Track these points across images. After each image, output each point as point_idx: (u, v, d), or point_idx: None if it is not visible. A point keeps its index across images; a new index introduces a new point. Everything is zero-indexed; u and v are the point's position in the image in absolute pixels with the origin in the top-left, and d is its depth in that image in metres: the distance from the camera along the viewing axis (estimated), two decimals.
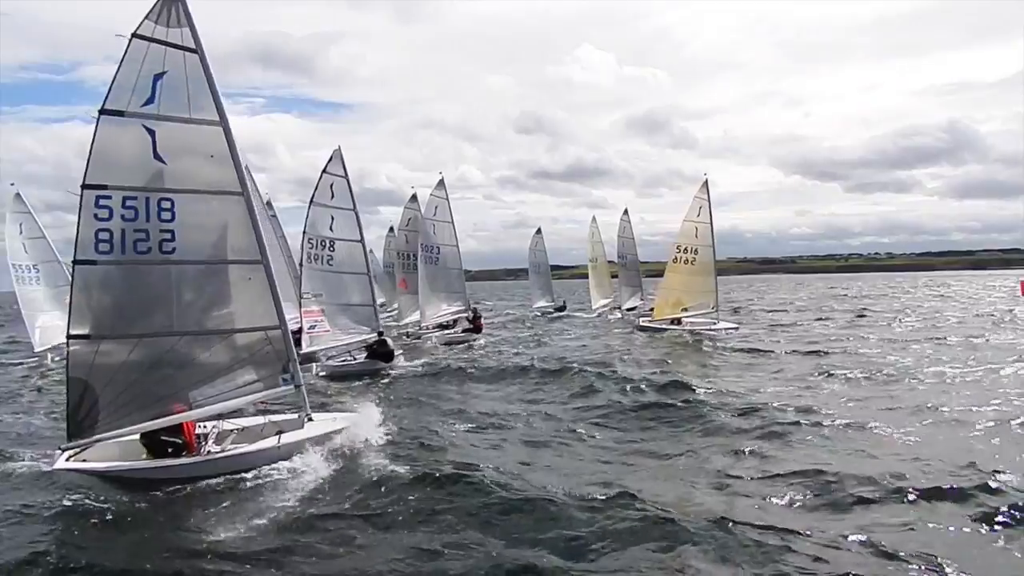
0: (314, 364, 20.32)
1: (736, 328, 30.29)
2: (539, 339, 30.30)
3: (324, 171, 20.45)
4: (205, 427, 10.86)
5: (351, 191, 20.98)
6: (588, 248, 42.62)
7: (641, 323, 31.47)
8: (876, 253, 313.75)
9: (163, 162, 9.65)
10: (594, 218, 43.40)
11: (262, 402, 10.94)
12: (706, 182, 29.72)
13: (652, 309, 37.73)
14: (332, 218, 20.45)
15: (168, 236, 9.70)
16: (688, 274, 29.32)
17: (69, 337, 9.48)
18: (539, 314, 44.06)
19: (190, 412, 10.12)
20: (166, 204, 9.66)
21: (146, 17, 9.47)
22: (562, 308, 46.01)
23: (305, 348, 19.26)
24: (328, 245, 20.36)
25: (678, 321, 29.47)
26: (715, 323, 29.55)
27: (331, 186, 20.45)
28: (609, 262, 43.10)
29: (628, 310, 40.09)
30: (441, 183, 28.88)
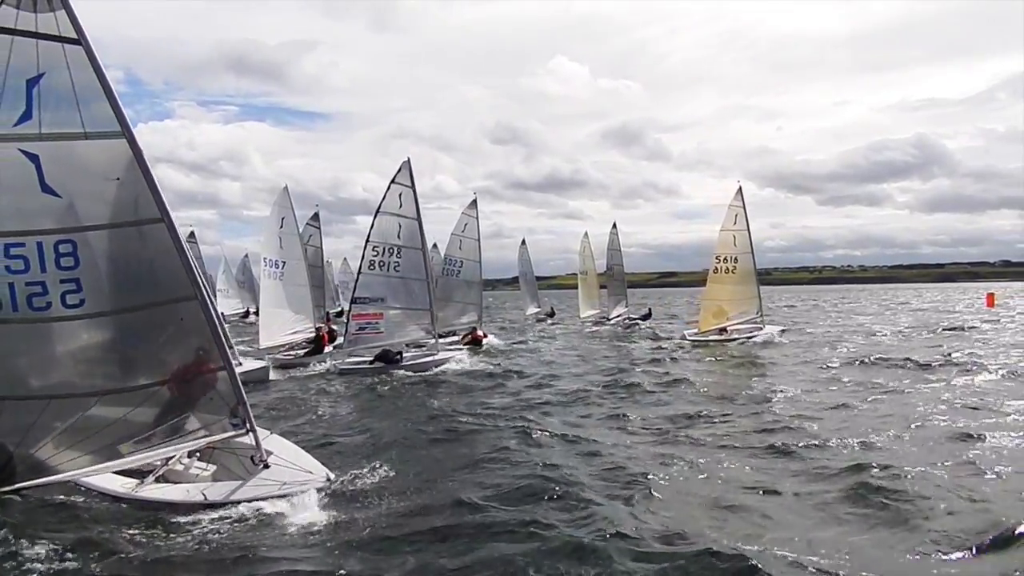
0: (332, 361, 21.94)
1: (782, 331, 30.50)
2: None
3: (393, 181, 21.55)
4: None
5: (416, 201, 22.09)
6: (579, 261, 45.27)
7: (687, 336, 30.84)
8: (848, 265, 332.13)
9: (55, 195, 7.51)
10: (586, 233, 45.95)
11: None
12: (740, 190, 29.47)
13: (646, 316, 42.12)
14: (400, 226, 21.61)
15: (72, 287, 7.76)
16: (730, 283, 29.46)
17: None
18: (532, 320, 46.49)
19: (125, 459, 8.78)
20: (65, 248, 7.63)
21: (3, 1, 6.95)
22: (551, 314, 48.85)
23: (347, 348, 21.54)
24: (396, 252, 21.50)
25: (723, 330, 29.34)
26: (761, 328, 29.53)
27: (399, 196, 21.63)
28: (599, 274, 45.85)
29: (613, 319, 42.10)
30: (474, 203, 30.36)
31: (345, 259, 59.04)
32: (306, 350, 24.66)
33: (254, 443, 9.46)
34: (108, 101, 7.62)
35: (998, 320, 42.43)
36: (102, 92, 7.57)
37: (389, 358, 21.59)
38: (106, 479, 9.09)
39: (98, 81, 7.52)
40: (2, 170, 7.27)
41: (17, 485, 8.44)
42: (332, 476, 9.48)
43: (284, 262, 24.47)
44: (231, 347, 18.00)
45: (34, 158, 7.32)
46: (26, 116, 7.21)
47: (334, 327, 28.09)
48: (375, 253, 21.30)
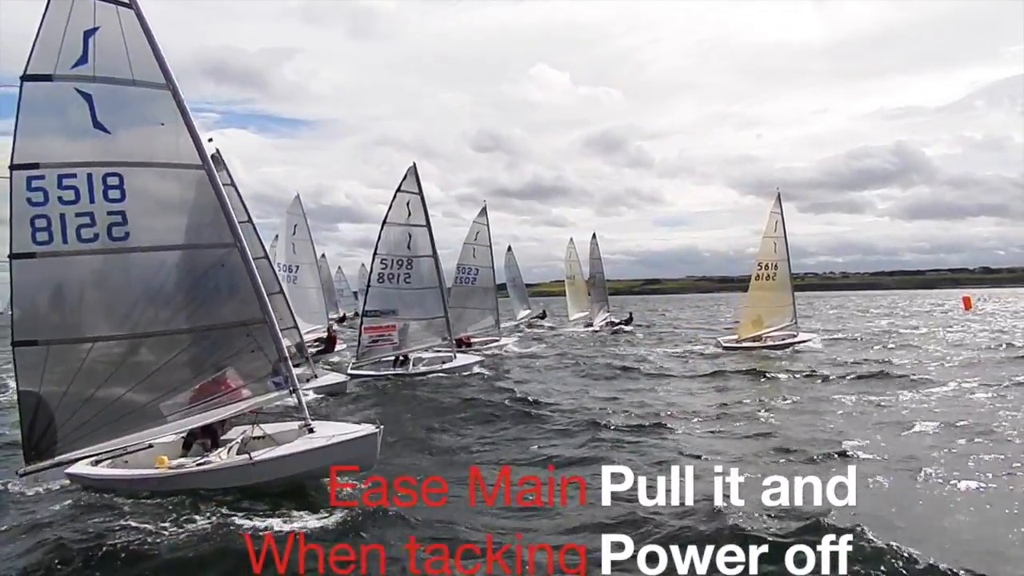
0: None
1: (815, 336, 29.82)
2: None
3: (399, 190, 20.90)
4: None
5: (425, 207, 21.48)
6: (565, 267, 46.26)
7: (723, 343, 30.10)
8: (831, 272, 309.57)
9: (105, 131, 8.22)
10: (571, 240, 46.89)
11: (254, 410, 9.22)
12: (779, 196, 29.09)
13: (627, 321, 43.19)
14: (410, 236, 21.03)
15: (118, 219, 8.21)
16: (769, 290, 28.88)
17: (14, 344, 8.12)
18: (524, 325, 46.65)
19: (164, 425, 8.61)
20: (113, 180, 8.19)
21: None
22: (543, 316, 49.60)
23: (360, 360, 20.56)
24: (407, 264, 20.92)
25: (759, 338, 28.74)
26: (795, 335, 28.87)
27: (407, 204, 20.99)
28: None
29: (596, 324, 43.11)
30: (484, 211, 30.60)
31: (340, 268, 60.68)
32: (317, 349, 24.30)
33: (297, 403, 9.19)
34: (155, 57, 8.54)
35: None
36: (150, 49, 8.51)
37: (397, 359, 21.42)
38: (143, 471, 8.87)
39: (146, 40, 8.50)
40: (62, 106, 8.08)
41: (58, 459, 8.38)
42: (381, 427, 8.98)
43: (297, 266, 25.51)
44: (309, 362, 17.85)
45: (88, 97, 8.13)
46: (82, 60, 8.13)
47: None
48: (383, 266, 20.74)
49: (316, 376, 17.54)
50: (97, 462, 9.08)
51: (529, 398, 16.63)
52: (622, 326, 42.61)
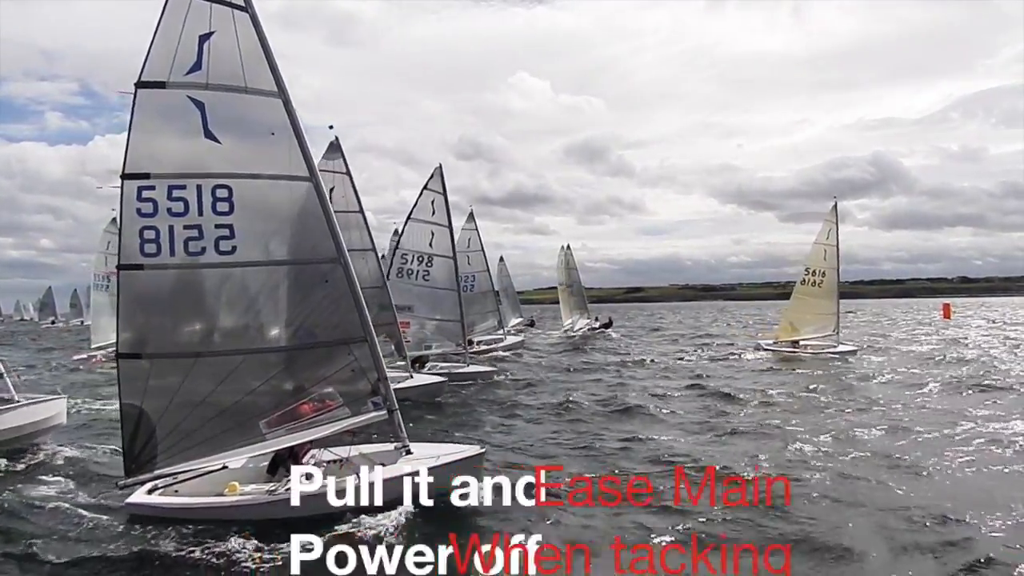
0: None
1: (854, 351, 28.93)
2: None
3: (425, 187, 21.05)
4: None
5: (448, 208, 21.54)
6: (557, 275, 46.72)
7: (763, 345, 30.54)
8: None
9: (216, 140, 7.96)
10: (561, 247, 47.04)
11: (349, 431, 8.92)
12: (835, 205, 29.65)
13: (607, 325, 45.64)
14: (432, 234, 20.98)
15: (226, 232, 7.98)
16: (814, 296, 28.99)
17: (119, 356, 8.02)
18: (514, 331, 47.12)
19: (262, 443, 8.40)
20: (222, 193, 7.95)
21: None
22: (531, 324, 51.60)
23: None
24: (427, 260, 20.88)
25: (796, 343, 28.75)
26: (835, 346, 28.57)
27: (432, 202, 21.02)
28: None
29: (578, 329, 44.43)
30: (471, 216, 31.03)
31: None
32: None
33: (396, 424, 8.87)
34: (268, 63, 8.22)
35: None
36: (263, 55, 8.19)
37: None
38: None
39: (260, 45, 8.17)
40: (174, 115, 7.85)
41: (157, 472, 8.22)
42: (485, 448, 8.60)
43: None
44: (405, 359, 17.60)
45: (200, 105, 7.88)
46: (196, 67, 7.87)
47: None
48: (403, 261, 20.67)
49: (412, 376, 17.29)
50: (152, 490, 8.36)
51: (536, 401, 16.96)
52: (602, 330, 44.38)
